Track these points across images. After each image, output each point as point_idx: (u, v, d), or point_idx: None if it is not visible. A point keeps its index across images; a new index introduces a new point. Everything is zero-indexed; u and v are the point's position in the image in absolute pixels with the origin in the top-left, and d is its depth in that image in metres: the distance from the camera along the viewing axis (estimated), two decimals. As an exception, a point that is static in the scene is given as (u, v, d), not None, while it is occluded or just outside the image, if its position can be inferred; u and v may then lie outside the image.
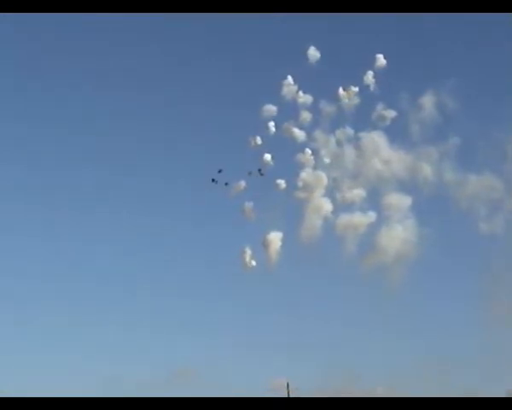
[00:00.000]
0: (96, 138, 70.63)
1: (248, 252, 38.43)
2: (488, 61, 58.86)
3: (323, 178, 38.89)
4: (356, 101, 38.37)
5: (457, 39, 61.93)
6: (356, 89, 38.15)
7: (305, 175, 38.58)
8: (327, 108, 38.81)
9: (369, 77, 38.11)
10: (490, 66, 58.69)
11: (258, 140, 37.05)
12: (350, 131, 39.50)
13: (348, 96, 38.15)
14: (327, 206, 39.82)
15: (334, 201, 39.94)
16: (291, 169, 38.79)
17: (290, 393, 46.74)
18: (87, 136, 71.73)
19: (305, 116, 38.65)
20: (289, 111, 38.46)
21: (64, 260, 69.99)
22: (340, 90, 38.28)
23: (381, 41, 56.51)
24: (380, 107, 39.00)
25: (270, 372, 53.31)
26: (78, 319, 62.86)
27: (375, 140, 39.87)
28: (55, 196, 71.63)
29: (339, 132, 39.28)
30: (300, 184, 38.93)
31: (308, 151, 38.32)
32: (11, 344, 61.48)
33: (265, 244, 38.70)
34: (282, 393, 46.10)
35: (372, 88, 38.25)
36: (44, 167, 73.83)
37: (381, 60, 38.55)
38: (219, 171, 36.87)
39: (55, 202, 70.37)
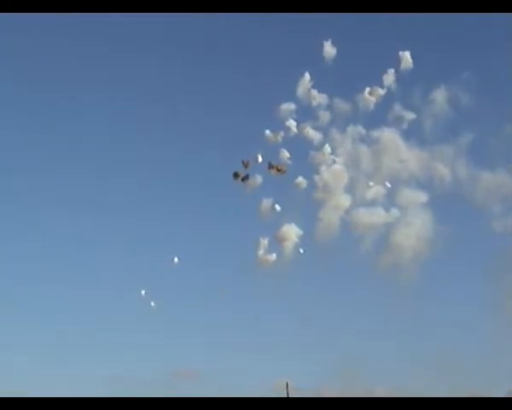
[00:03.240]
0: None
1: (264, 244, 38.83)
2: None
3: (342, 175, 39.89)
4: (373, 100, 39.07)
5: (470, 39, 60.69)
6: (383, 90, 38.86)
7: (324, 173, 39.48)
8: (344, 106, 39.50)
9: (391, 76, 38.70)
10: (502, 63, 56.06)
11: (277, 137, 37.66)
12: (365, 130, 40.18)
13: (375, 97, 38.88)
14: (345, 203, 40.62)
15: (352, 198, 40.77)
16: (309, 167, 39.43)
17: (290, 393, 43.87)
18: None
19: (322, 115, 39.31)
20: (306, 110, 39.13)
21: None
22: (367, 92, 38.85)
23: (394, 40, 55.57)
24: (397, 107, 40.02)
25: (272, 373, 52.42)
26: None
27: (392, 139, 41.15)
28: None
29: (355, 131, 40.08)
30: (319, 181, 39.71)
31: (327, 149, 39.15)
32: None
33: (280, 239, 39.05)
34: (282, 393, 45.83)
35: (393, 88, 38.97)
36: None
37: (406, 59, 39.09)
38: (245, 165, 36.85)
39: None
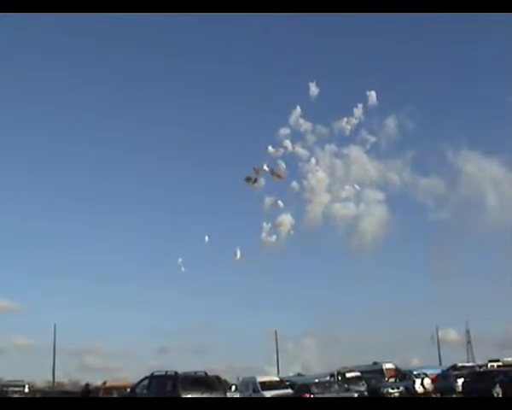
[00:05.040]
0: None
1: (266, 228, 50.49)
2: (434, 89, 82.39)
3: (323, 180, 53.56)
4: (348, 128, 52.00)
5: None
6: (356, 120, 51.33)
7: (310, 179, 52.86)
8: (324, 131, 53.13)
9: (360, 110, 51.03)
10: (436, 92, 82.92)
11: (277, 152, 48.16)
12: (338, 148, 55.37)
13: (349, 124, 51.27)
14: (326, 199, 54.86)
15: (331, 195, 55.27)
16: (300, 175, 53.25)
17: (278, 339, 64.08)
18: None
19: (308, 137, 52.35)
20: (297, 133, 51.70)
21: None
22: (344, 121, 51.21)
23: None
24: (363, 132, 53.32)
25: (264, 324, 71.75)
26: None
27: (358, 154, 55.38)
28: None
29: (331, 149, 54.58)
30: (307, 185, 52.99)
31: (312, 161, 52.69)
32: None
33: (278, 225, 51.30)
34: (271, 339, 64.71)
35: (361, 119, 51.74)
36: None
37: (372, 96, 51.23)
38: (256, 171, 45.70)
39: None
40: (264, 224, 51.05)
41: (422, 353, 77.55)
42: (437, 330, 67.38)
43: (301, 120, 50.99)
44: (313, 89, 51.42)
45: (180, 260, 49.04)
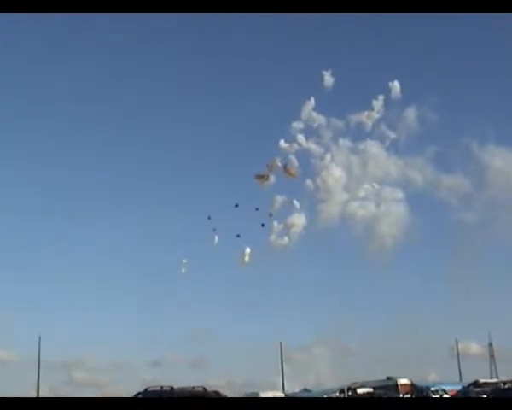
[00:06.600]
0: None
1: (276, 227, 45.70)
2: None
3: (339, 177, 49.47)
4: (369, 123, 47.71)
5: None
6: (377, 114, 46.77)
7: (325, 175, 49.16)
8: (339, 125, 48.90)
9: (380, 102, 46.11)
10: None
11: (290, 148, 44.63)
12: (355, 143, 50.82)
13: (370, 118, 46.65)
14: (341, 198, 51.02)
15: (347, 194, 51.43)
16: (314, 172, 49.56)
17: (284, 351, 59.80)
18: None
19: (323, 132, 48.10)
20: (311, 128, 47.47)
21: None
22: (365, 115, 46.89)
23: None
24: (383, 126, 48.53)
25: (268, 334, 67.68)
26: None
27: (376, 150, 50.78)
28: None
29: (347, 144, 50.42)
30: (321, 182, 49.30)
31: (327, 157, 48.57)
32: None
33: (289, 225, 46.44)
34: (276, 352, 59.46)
35: (382, 112, 47.00)
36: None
37: (395, 87, 45.94)
38: (269, 167, 43.18)
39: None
40: (276, 224, 47.00)
41: (441, 367, 72.84)
42: (457, 342, 63.69)
43: (314, 113, 47.25)
44: (328, 78, 47.01)
45: (184, 260, 45.51)
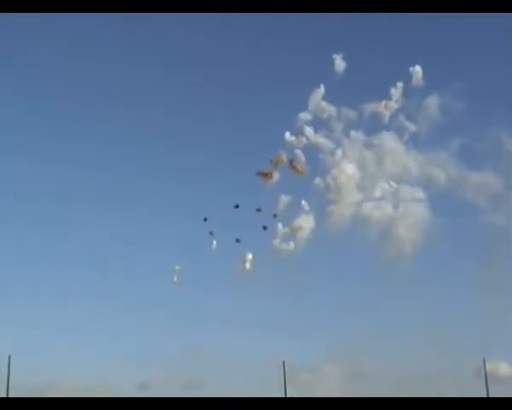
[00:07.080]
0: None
1: (281, 230, 43.12)
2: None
3: (352, 175, 46.04)
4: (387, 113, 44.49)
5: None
6: (395, 104, 43.67)
7: (337, 174, 45.43)
8: (352, 115, 45.13)
9: (399, 90, 43.07)
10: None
11: (297, 141, 42.24)
12: (369, 136, 46.03)
13: (387, 108, 43.74)
14: (354, 198, 47.07)
15: (361, 194, 47.25)
16: (323, 169, 45.60)
17: (288, 370, 50.24)
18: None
19: (334, 124, 44.74)
20: (319, 119, 44.49)
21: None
22: (382, 104, 43.79)
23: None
24: (401, 117, 44.82)
25: (270, 351, 60.31)
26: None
27: (393, 144, 46.64)
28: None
29: (361, 137, 45.76)
30: (332, 180, 45.71)
31: (339, 153, 45.09)
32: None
33: (296, 228, 43.88)
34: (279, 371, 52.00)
35: (401, 102, 43.67)
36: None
37: (417, 73, 43.18)
38: (274, 163, 41.44)
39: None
40: (280, 226, 44.13)
41: (466, 390, 61.36)
42: (484, 362, 57.77)
43: (323, 103, 44.52)
44: (339, 63, 46.03)
45: (177, 267, 41.63)
